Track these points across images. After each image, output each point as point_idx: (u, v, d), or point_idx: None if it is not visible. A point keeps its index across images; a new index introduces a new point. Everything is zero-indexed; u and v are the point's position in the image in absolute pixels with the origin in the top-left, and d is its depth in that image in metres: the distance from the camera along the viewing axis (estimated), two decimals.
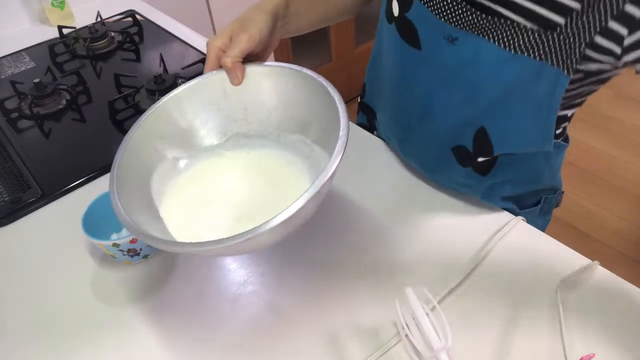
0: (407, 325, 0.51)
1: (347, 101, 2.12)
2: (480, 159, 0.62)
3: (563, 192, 0.75)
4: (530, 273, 0.59)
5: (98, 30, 1.14)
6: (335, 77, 2.14)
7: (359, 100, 0.86)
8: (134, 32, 1.18)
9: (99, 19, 1.21)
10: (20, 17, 1.26)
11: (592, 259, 0.59)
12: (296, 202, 0.41)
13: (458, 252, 0.62)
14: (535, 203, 0.72)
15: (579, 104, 0.60)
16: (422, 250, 0.63)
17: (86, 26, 1.18)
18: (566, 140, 0.69)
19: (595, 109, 2.22)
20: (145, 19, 1.24)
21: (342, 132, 0.46)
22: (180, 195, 0.57)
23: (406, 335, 0.51)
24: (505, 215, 0.66)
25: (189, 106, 0.58)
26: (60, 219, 0.72)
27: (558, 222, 1.76)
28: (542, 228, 0.72)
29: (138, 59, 1.10)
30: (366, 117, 0.84)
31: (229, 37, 0.55)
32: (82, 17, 1.25)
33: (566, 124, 0.65)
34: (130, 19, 1.21)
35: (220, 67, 0.56)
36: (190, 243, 0.43)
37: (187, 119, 0.58)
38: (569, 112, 0.62)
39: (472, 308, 0.56)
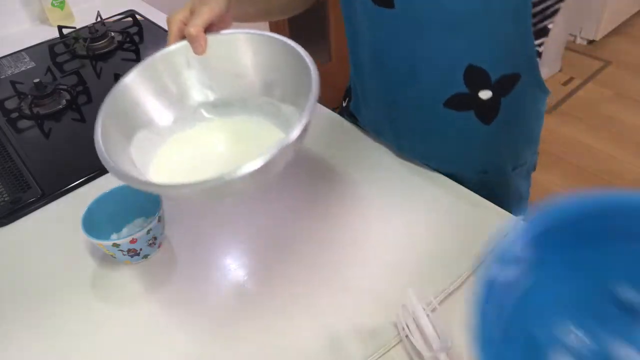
0: (407, 326, 0.51)
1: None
2: (481, 94, 0.63)
3: (538, 153, 0.81)
4: None
5: (98, 30, 1.14)
6: (336, 76, 2.14)
7: (343, 104, 0.88)
8: (134, 32, 1.18)
9: (99, 19, 1.21)
10: (20, 17, 1.26)
11: None
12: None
13: (458, 252, 0.62)
14: (523, 163, 0.76)
15: (553, 13, 0.60)
16: (422, 251, 0.63)
17: (86, 26, 1.18)
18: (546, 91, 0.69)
19: (595, 109, 2.22)
20: (145, 19, 1.24)
21: (314, 78, 0.47)
22: (163, 157, 0.57)
23: (406, 336, 0.51)
24: (506, 216, 0.66)
25: (155, 77, 0.58)
26: (60, 219, 0.72)
27: None
28: (528, 191, 0.80)
29: (138, 59, 1.10)
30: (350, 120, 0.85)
31: (189, 10, 0.57)
32: (82, 17, 1.25)
33: (545, 38, 0.64)
34: (130, 19, 1.21)
35: (182, 38, 0.57)
36: (172, 184, 0.44)
37: (154, 90, 0.58)
38: (547, 24, 0.61)
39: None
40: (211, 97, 0.60)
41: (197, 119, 0.60)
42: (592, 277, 0.40)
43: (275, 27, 1.86)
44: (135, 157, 0.55)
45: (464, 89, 0.63)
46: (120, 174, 0.46)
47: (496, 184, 0.75)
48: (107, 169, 0.47)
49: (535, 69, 0.62)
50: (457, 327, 0.54)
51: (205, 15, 0.55)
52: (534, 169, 0.82)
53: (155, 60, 0.57)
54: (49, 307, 0.61)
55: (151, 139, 0.58)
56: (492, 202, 0.68)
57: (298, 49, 0.52)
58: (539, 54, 0.64)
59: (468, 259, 0.61)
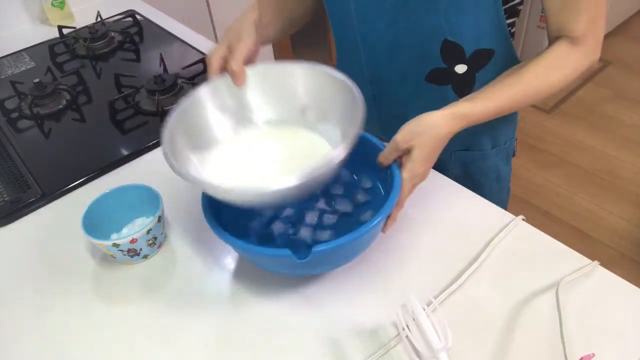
0: (407, 326, 0.51)
1: None
2: (457, 68, 0.67)
3: (516, 138, 0.85)
4: (530, 273, 0.59)
5: (98, 30, 1.14)
6: None
7: None
8: (134, 32, 1.18)
9: (99, 19, 1.21)
10: (20, 17, 1.26)
11: (592, 259, 0.59)
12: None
13: (458, 253, 0.62)
14: (502, 143, 0.81)
15: None
16: (422, 251, 0.63)
17: (86, 26, 1.18)
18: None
19: (595, 109, 2.21)
20: (145, 19, 1.24)
21: (360, 106, 0.55)
22: (221, 161, 0.62)
23: (406, 336, 0.51)
24: (506, 216, 0.66)
25: (218, 95, 0.64)
26: (60, 219, 0.72)
27: (558, 222, 1.76)
28: (508, 175, 0.86)
29: (138, 59, 1.10)
30: None
31: (227, 47, 0.63)
32: (82, 17, 1.25)
33: (516, 18, 0.68)
34: (130, 19, 1.21)
35: (223, 72, 0.63)
36: (237, 187, 0.51)
37: (217, 105, 0.64)
38: (516, 4, 0.65)
39: (473, 308, 0.56)
40: (266, 113, 0.65)
41: (253, 130, 0.65)
42: None
43: None
44: (196, 162, 0.60)
45: (441, 63, 0.68)
46: (188, 177, 0.51)
47: (475, 162, 0.80)
48: (175, 172, 0.52)
49: (509, 46, 0.67)
50: (457, 326, 0.54)
51: (243, 51, 0.62)
52: (513, 154, 0.86)
53: (217, 82, 0.63)
54: (49, 307, 0.61)
55: (212, 146, 0.63)
56: (470, 180, 0.70)
57: (342, 77, 0.59)
58: (512, 34, 0.67)
59: (468, 259, 0.61)
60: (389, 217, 0.58)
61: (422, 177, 0.60)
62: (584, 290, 0.57)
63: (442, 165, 0.76)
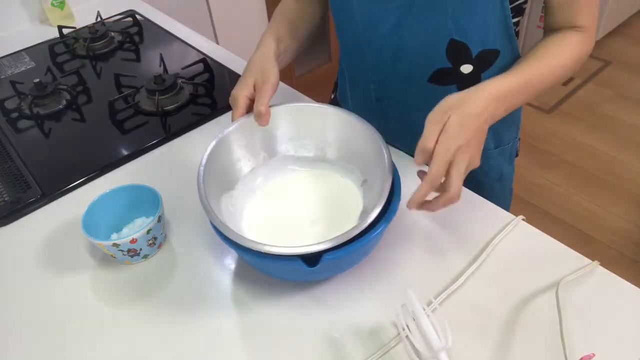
0: (407, 326, 0.51)
1: None
2: (463, 68, 0.68)
3: (519, 138, 0.86)
4: (530, 273, 0.59)
5: (98, 30, 1.14)
6: (335, 77, 2.14)
7: (332, 96, 0.93)
8: (134, 32, 1.18)
9: (99, 19, 1.21)
10: (20, 17, 1.26)
11: (592, 259, 0.59)
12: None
13: (458, 253, 0.62)
14: (505, 143, 0.81)
15: None
16: (422, 251, 0.63)
17: (86, 26, 1.18)
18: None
19: (595, 109, 2.22)
20: (145, 19, 1.24)
21: (387, 160, 0.58)
22: (253, 209, 0.66)
23: (406, 336, 0.51)
24: (506, 216, 0.66)
25: (247, 134, 0.66)
26: (60, 219, 0.72)
27: (558, 222, 1.76)
28: (511, 175, 0.85)
29: (138, 59, 1.10)
30: None
31: (253, 87, 0.65)
32: (82, 17, 1.25)
33: (521, 17, 0.69)
34: (130, 19, 1.21)
35: (247, 113, 0.65)
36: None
37: (245, 145, 0.67)
38: (522, 3, 0.65)
39: (473, 308, 0.56)
40: (293, 152, 0.69)
41: (282, 171, 0.69)
42: None
43: None
44: (227, 208, 0.62)
45: (447, 63, 0.68)
46: (239, 238, 0.52)
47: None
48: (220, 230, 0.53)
49: (514, 46, 0.67)
50: (457, 326, 0.54)
51: (269, 92, 0.64)
52: (516, 154, 0.86)
53: (244, 121, 0.65)
54: (49, 306, 0.61)
55: (242, 191, 0.66)
56: (472, 180, 0.70)
57: (366, 125, 0.63)
58: (516, 34, 0.68)
59: (468, 259, 0.61)
60: (415, 192, 0.56)
61: (461, 156, 0.54)
62: (584, 290, 0.57)
63: None
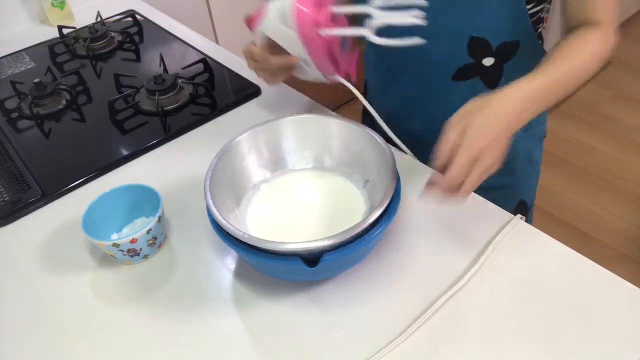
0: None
1: (348, 101, 2.12)
2: (485, 61, 0.70)
3: (546, 119, 0.87)
4: (530, 273, 0.59)
5: (98, 30, 1.14)
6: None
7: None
8: (134, 32, 1.18)
9: (99, 19, 1.21)
10: (20, 17, 1.26)
11: (592, 259, 0.59)
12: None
13: (458, 253, 0.62)
14: (534, 127, 0.82)
15: None
16: (422, 251, 0.63)
17: (86, 26, 1.18)
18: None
19: (595, 109, 2.22)
20: (145, 19, 1.24)
21: (391, 166, 0.59)
22: (259, 205, 0.67)
23: None
24: (506, 216, 0.66)
25: (256, 143, 0.68)
26: (60, 219, 0.72)
27: (558, 222, 1.76)
28: (540, 157, 0.85)
29: (138, 59, 1.10)
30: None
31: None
32: (82, 17, 1.25)
33: (544, 5, 0.70)
34: (130, 19, 1.21)
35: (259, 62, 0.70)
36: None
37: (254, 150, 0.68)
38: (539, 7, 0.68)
39: (473, 308, 0.56)
40: (303, 156, 0.71)
41: (288, 172, 0.71)
42: None
43: None
44: (235, 207, 0.64)
45: (469, 59, 0.70)
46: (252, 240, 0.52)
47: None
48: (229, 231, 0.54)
49: (533, 37, 0.69)
50: (457, 326, 0.54)
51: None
52: (544, 134, 0.88)
53: (256, 130, 0.67)
54: (49, 307, 0.61)
55: (248, 191, 0.67)
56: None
57: (374, 135, 0.64)
58: (542, 20, 0.69)
59: (468, 259, 0.61)
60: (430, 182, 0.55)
61: (484, 156, 0.52)
62: (584, 291, 0.57)
63: None
